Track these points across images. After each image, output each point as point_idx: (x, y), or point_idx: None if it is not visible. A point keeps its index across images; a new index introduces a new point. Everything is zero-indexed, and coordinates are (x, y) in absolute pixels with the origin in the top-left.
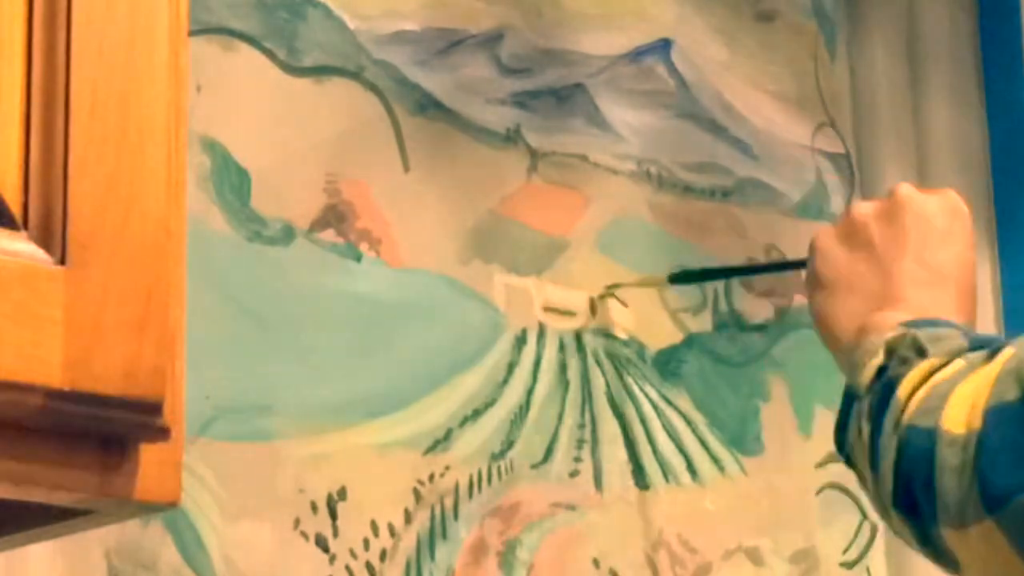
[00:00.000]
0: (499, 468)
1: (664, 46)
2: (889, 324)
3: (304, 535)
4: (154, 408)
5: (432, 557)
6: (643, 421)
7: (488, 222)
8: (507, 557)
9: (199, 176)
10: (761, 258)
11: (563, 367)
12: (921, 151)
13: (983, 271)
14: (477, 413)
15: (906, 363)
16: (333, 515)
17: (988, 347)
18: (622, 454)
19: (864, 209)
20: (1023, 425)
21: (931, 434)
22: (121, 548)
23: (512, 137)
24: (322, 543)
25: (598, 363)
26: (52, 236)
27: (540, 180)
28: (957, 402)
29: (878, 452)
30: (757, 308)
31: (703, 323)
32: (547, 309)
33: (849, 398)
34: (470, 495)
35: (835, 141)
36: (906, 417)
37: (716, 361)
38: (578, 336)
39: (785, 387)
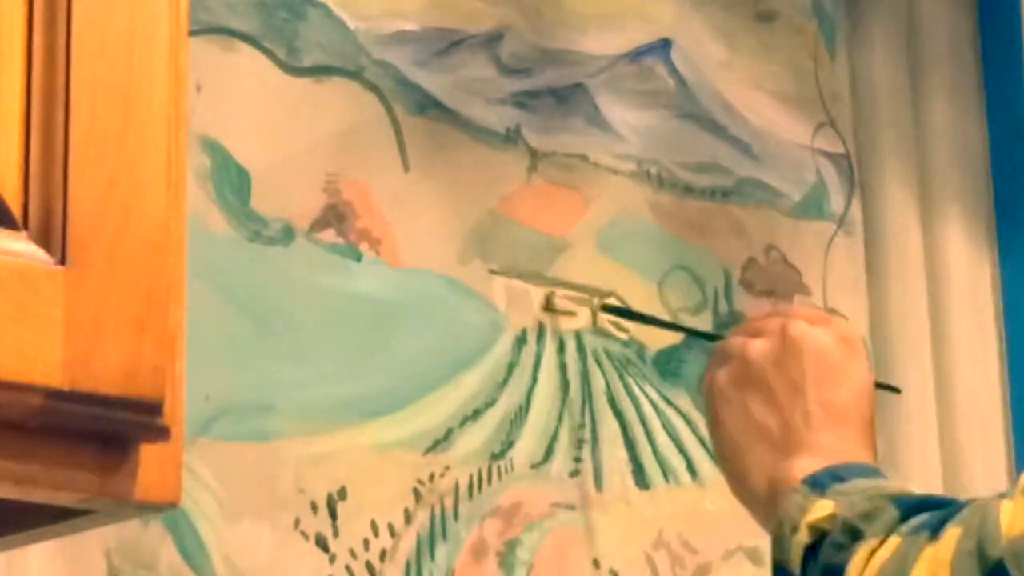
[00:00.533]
0: (499, 468)
1: (664, 46)
2: (798, 477)
3: (304, 535)
4: (154, 408)
5: (432, 557)
6: (643, 421)
7: (488, 222)
8: (507, 557)
9: (199, 176)
10: (761, 259)
11: (563, 367)
12: (921, 151)
13: (983, 271)
14: (477, 413)
15: (842, 549)
16: (333, 515)
17: (919, 511)
18: (622, 454)
19: (758, 351)
20: None
21: None
22: (121, 548)
23: (512, 137)
24: (322, 543)
25: (598, 363)
26: (52, 236)
27: (540, 180)
28: None
29: None
30: (757, 308)
31: (703, 323)
32: (547, 309)
33: (783, 573)
34: (470, 495)
35: (835, 141)
36: None
37: None
38: (578, 336)
39: None
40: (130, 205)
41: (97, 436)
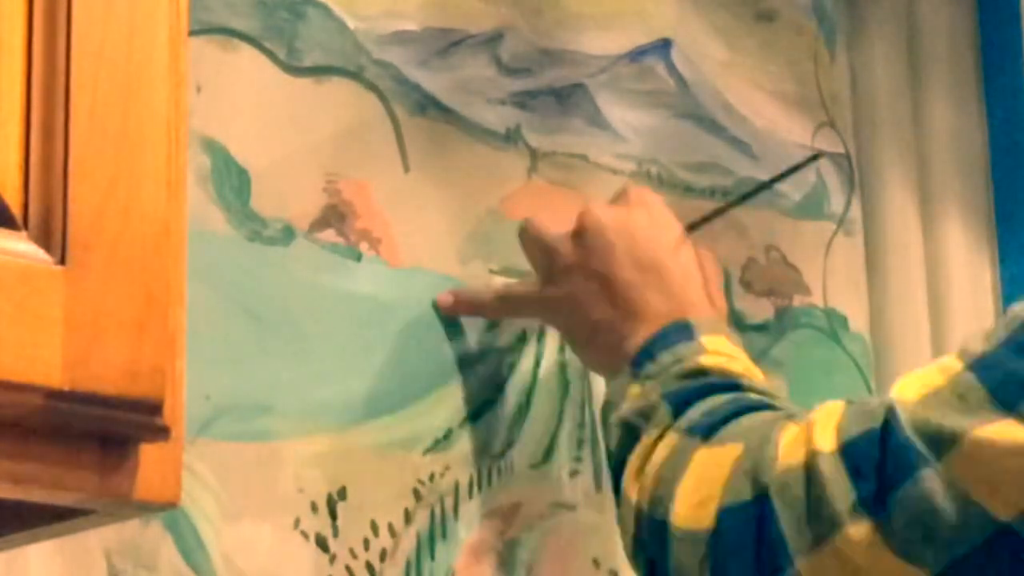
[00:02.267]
0: (499, 468)
1: (664, 46)
2: (629, 353)
3: (304, 535)
4: (154, 408)
5: (432, 557)
6: None
7: (488, 222)
8: (507, 557)
9: (199, 176)
10: (761, 259)
11: (563, 367)
12: (921, 151)
13: (983, 271)
14: (477, 413)
15: (623, 447)
16: (333, 515)
17: (688, 405)
18: None
19: (563, 259)
20: (757, 526)
21: (663, 528)
22: (121, 548)
23: (512, 137)
24: (322, 543)
25: None
26: (52, 236)
27: (540, 180)
28: (684, 495)
29: (630, 544)
30: (757, 308)
31: None
32: None
33: (609, 457)
34: (470, 495)
35: (835, 141)
36: (638, 505)
37: None
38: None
39: (785, 387)
40: (130, 205)
41: (97, 436)
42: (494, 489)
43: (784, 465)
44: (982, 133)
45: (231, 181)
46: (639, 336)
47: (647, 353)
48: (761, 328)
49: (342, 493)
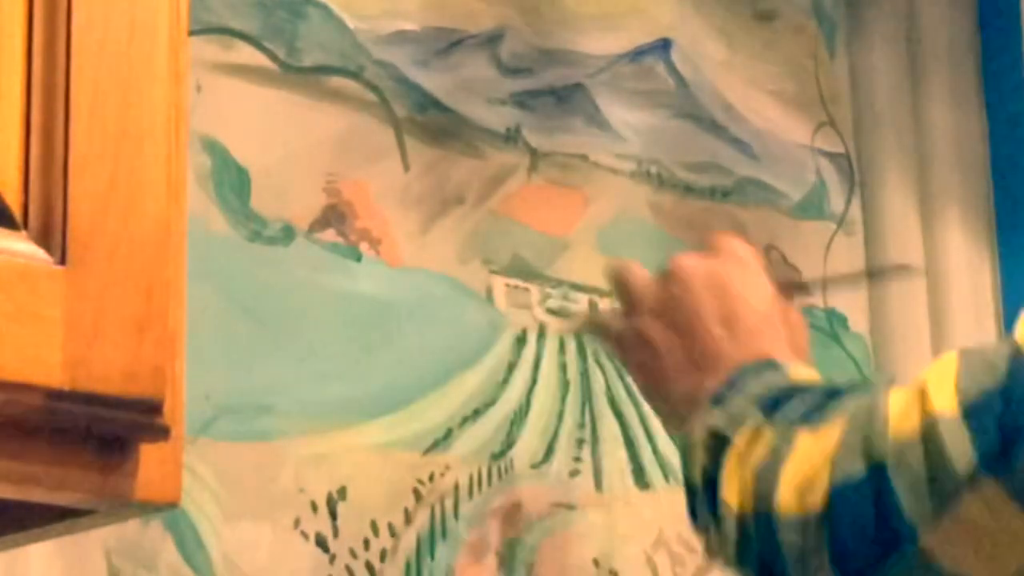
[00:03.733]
0: (499, 468)
1: (664, 46)
2: (706, 396)
3: (304, 535)
4: (154, 408)
5: (432, 557)
6: (643, 421)
7: (488, 222)
8: (507, 557)
9: (199, 176)
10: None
11: (563, 367)
12: (921, 151)
13: (983, 271)
14: (477, 413)
15: (714, 460)
16: (333, 515)
17: (780, 403)
18: (622, 454)
19: (652, 300)
20: (875, 501)
21: (769, 520)
22: (121, 548)
23: (512, 137)
24: (322, 543)
25: (598, 363)
26: (52, 236)
27: (540, 180)
28: (787, 481)
29: (734, 554)
30: None
31: None
32: (547, 309)
33: (689, 491)
34: (470, 495)
35: (835, 141)
36: (740, 507)
37: None
38: (578, 336)
39: None
40: (130, 205)
41: (97, 436)
42: (494, 489)
43: (898, 433)
44: (982, 133)
45: (231, 181)
46: (716, 380)
47: (730, 386)
48: None
49: (342, 493)
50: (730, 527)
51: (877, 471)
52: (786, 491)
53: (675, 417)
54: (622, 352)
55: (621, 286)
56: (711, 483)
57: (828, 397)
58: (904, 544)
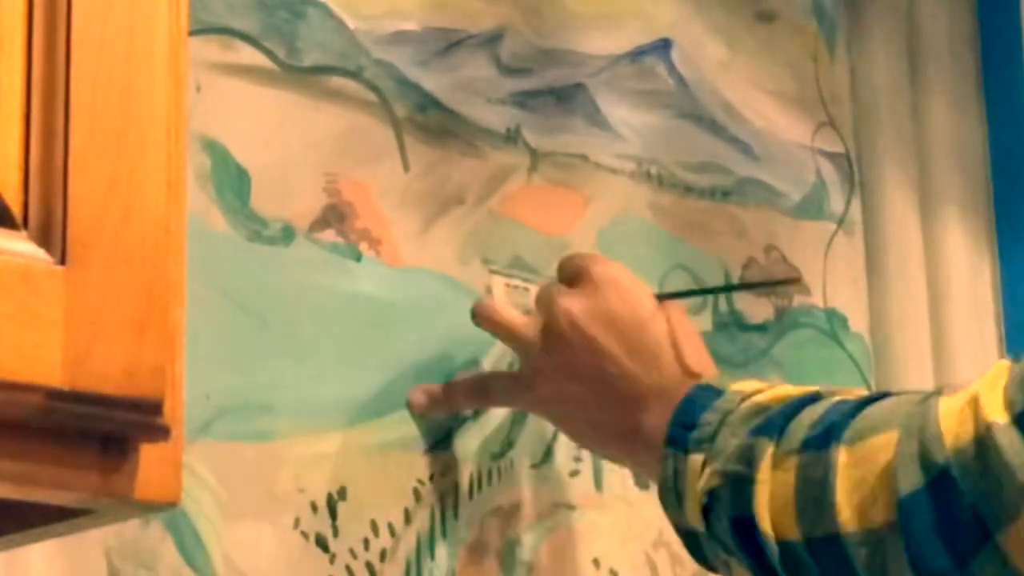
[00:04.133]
0: (499, 468)
1: (664, 46)
2: (653, 438)
3: (304, 535)
4: (154, 408)
5: (432, 557)
6: None
7: (488, 222)
8: (507, 557)
9: (199, 176)
10: (761, 259)
11: None
12: (921, 151)
13: (983, 271)
14: (477, 413)
15: (740, 496)
16: (333, 515)
17: (783, 427)
18: None
19: (536, 357)
20: (943, 507)
21: (834, 541)
22: (121, 548)
23: (512, 137)
24: (322, 543)
25: None
26: (52, 236)
27: (540, 180)
28: (845, 500)
29: None
30: (757, 308)
31: (703, 323)
32: None
33: (689, 534)
34: (470, 495)
35: (835, 141)
36: (787, 538)
37: (716, 361)
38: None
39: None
40: (130, 205)
41: (97, 436)
42: (494, 489)
43: (955, 441)
44: (982, 133)
45: (231, 181)
46: (654, 418)
47: (681, 426)
48: (761, 328)
49: (342, 493)
50: (775, 557)
51: (941, 479)
52: (846, 510)
53: (626, 459)
54: (541, 415)
55: (497, 332)
56: (740, 521)
57: (848, 411)
58: (981, 547)
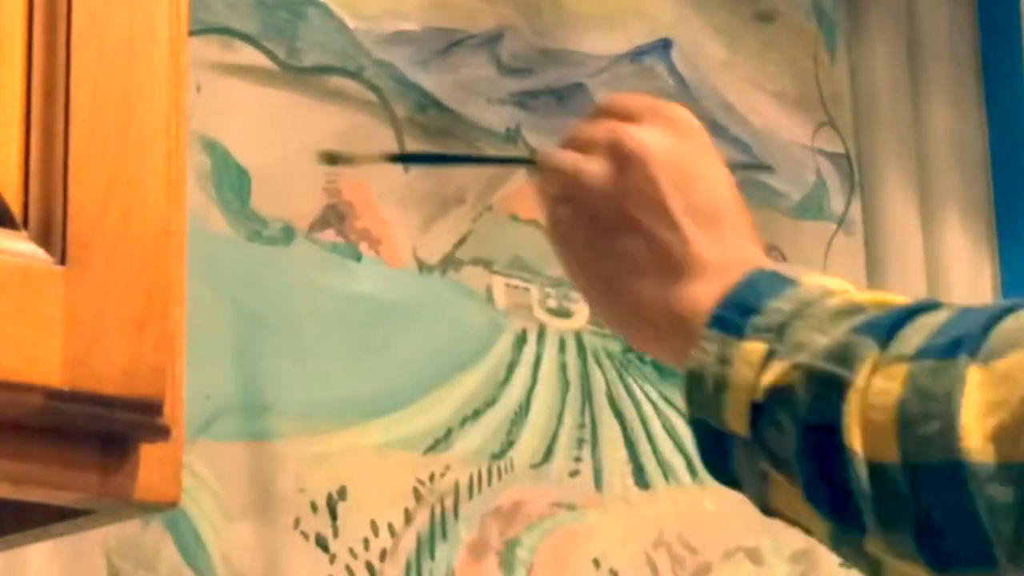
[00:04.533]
0: (499, 468)
1: (664, 46)
2: (700, 314)
3: (304, 535)
4: (154, 408)
5: (432, 557)
6: (643, 421)
7: (488, 222)
8: (507, 557)
9: (199, 176)
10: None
11: (563, 367)
12: (921, 151)
13: (983, 271)
14: (477, 413)
15: (824, 402)
16: (333, 515)
17: (894, 329)
18: (622, 454)
19: (598, 180)
20: None
21: (956, 468)
22: (121, 548)
23: (512, 137)
24: (322, 543)
25: (598, 363)
26: (52, 236)
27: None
28: (975, 423)
29: (857, 511)
30: None
31: None
32: (547, 309)
33: (714, 432)
34: (470, 495)
35: (835, 141)
36: (879, 455)
37: None
38: (578, 336)
39: None
40: (130, 205)
41: (97, 436)
42: (494, 489)
43: None
44: (982, 133)
45: (231, 181)
46: (699, 292)
47: (735, 308)
48: None
49: (342, 493)
50: (862, 480)
51: None
52: (975, 436)
53: (632, 327)
54: (559, 243)
55: (556, 167)
56: (821, 430)
57: (984, 324)
58: None
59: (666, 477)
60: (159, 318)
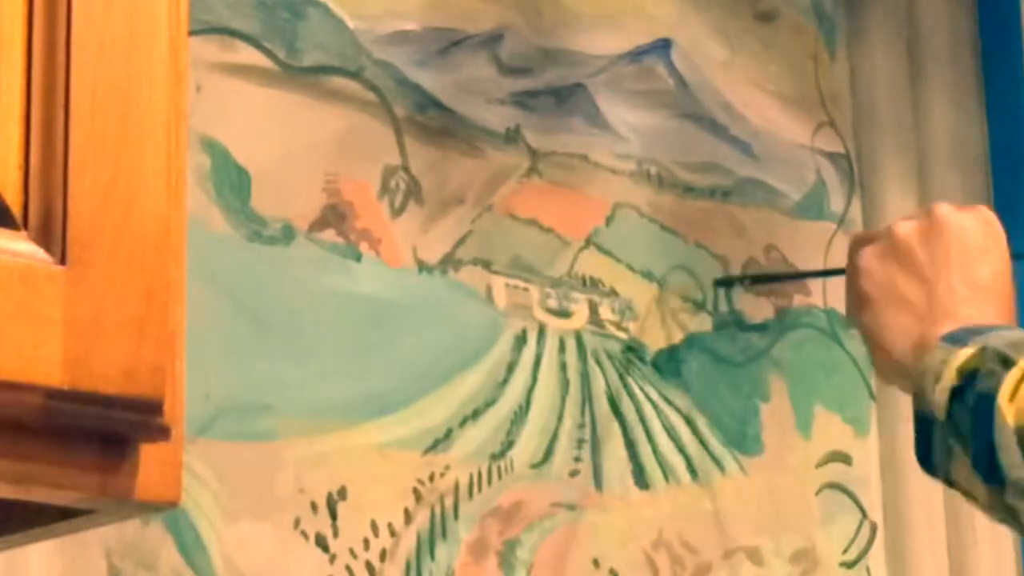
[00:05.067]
0: (499, 468)
1: (664, 46)
2: (940, 339)
3: (304, 535)
4: (154, 408)
5: (432, 557)
6: (643, 421)
7: (488, 222)
8: (507, 557)
9: (199, 176)
10: (761, 259)
11: (563, 367)
12: (921, 151)
13: None
14: (477, 413)
15: (993, 375)
16: (333, 515)
17: None
18: (622, 454)
19: (906, 229)
20: None
21: None
22: (121, 548)
23: (512, 137)
24: (322, 543)
25: (598, 363)
26: (52, 236)
27: (540, 180)
28: None
29: (999, 466)
30: (757, 308)
31: (703, 323)
32: (547, 309)
33: (925, 422)
34: (470, 495)
35: (835, 141)
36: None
37: (716, 361)
38: (578, 336)
39: (785, 387)
40: (130, 205)
41: (97, 436)
42: (494, 489)
43: None
44: (982, 133)
45: (231, 181)
46: (948, 325)
47: (970, 331)
48: (761, 328)
49: (342, 493)
50: (1007, 450)
51: None
52: None
53: (885, 351)
54: (856, 274)
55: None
56: (983, 399)
57: None
58: None
59: (666, 477)
60: (159, 318)
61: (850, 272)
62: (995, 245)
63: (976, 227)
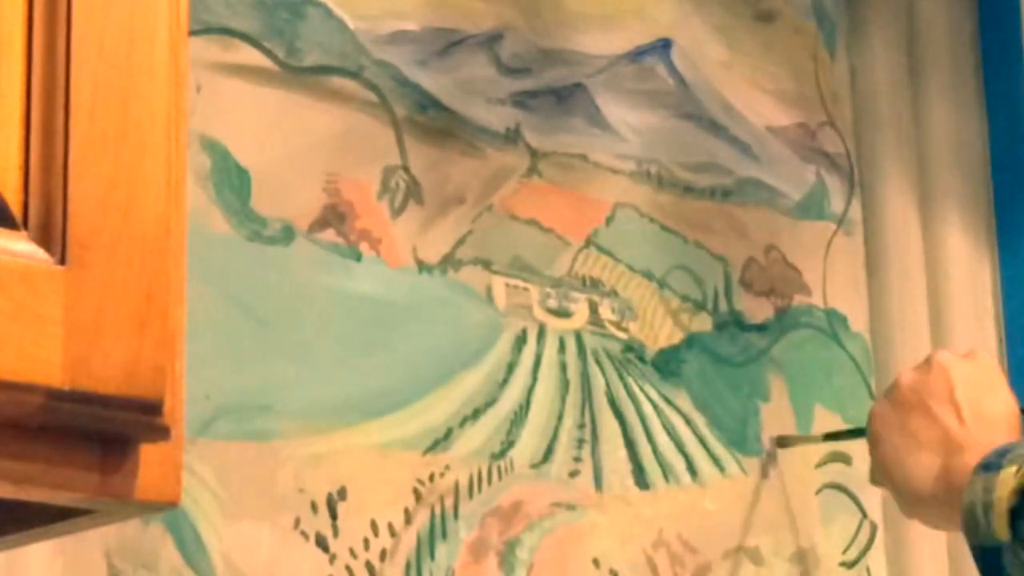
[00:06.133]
0: (499, 468)
1: (664, 46)
2: (969, 469)
3: (304, 535)
4: (154, 408)
5: (432, 557)
6: (643, 421)
7: (488, 222)
8: (507, 557)
9: (199, 176)
10: (761, 259)
11: (563, 367)
12: (921, 151)
13: (983, 271)
14: (477, 413)
15: None
16: (333, 515)
17: None
18: (622, 454)
19: (911, 376)
20: None
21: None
22: (121, 548)
23: (512, 137)
24: (322, 543)
25: (598, 363)
26: (52, 236)
27: (540, 180)
28: None
29: None
30: (757, 308)
31: (703, 323)
32: (547, 309)
33: (990, 553)
34: (470, 495)
35: (835, 141)
36: None
37: (716, 361)
38: (578, 336)
39: (785, 387)
40: (130, 205)
41: (97, 436)
42: (494, 489)
43: None
44: (982, 133)
45: (231, 181)
46: (969, 461)
47: (999, 453)
48: (761, 328)
49: (342, 493)
50: None
51: None
52: None
53: (906, 490)
54: (873, 422)
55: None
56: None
57: None
58: None
59: (666, 477)
60: (159, 318)
61: (870, 434)
62: (1001, 385)
63: (979, 371)
